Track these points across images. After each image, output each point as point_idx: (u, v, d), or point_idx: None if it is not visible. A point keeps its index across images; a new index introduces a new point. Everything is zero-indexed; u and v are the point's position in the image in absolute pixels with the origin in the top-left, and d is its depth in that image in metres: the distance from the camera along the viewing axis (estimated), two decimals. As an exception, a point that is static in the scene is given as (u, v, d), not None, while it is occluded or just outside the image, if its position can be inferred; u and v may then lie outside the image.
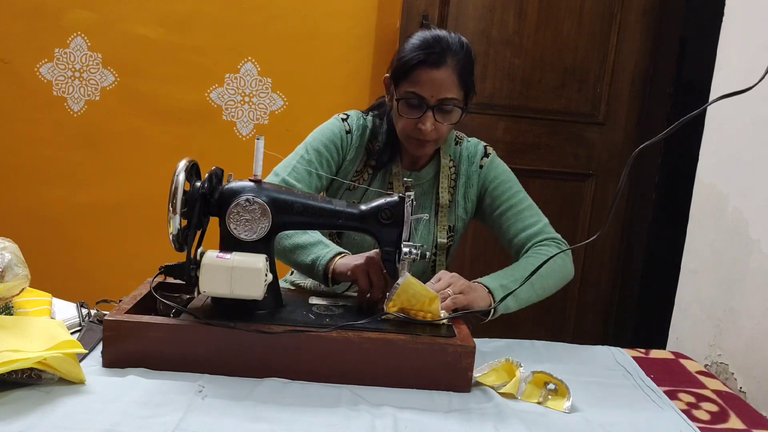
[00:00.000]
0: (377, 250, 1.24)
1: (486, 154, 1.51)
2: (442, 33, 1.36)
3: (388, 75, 1.41)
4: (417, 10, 2.35)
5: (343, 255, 1.30)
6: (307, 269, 1.32)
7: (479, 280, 1.30)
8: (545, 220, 1.47)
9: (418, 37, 1.35)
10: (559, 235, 1.45)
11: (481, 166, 1.49)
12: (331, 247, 1.32)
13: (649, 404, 1.12)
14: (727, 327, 1.42)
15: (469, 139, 1.54)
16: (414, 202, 1.14)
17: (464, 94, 1.37)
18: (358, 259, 1.25)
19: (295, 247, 1.33)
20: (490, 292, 1.27)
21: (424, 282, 1.19)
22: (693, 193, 1.62)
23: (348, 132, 1.46)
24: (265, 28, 2.42)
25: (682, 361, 1.36)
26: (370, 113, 1.51)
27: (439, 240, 1.47)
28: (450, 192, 1.48)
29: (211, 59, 2.43)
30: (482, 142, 1.53)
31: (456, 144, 1.51)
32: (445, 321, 1.14)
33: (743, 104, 1.37)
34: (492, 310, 1.25)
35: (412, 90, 1.33)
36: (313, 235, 1.35)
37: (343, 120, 1.47)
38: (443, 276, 1.26)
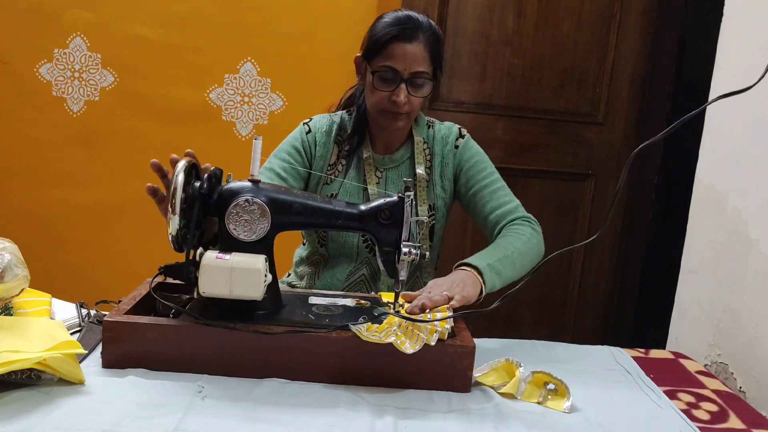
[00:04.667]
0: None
1: (461, 135, 1.54)
2: (412, 12, 1.43)
3: (359, 54, 1.47)
4: (416, 11, 2.33)
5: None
6: None
7: (465, 260, 1.31)
8: (517, 201, 1.51)
9: (389, 16, 1.43)
10: (530, 215, 1.49)
11: (456, 146, 1.53)
12: None
13: (648, 404, 1.12)
14: (726, 327, 1.42)
15: (442, 122, 1.57)
16: (414, 202, 1.13)
17: (433, 69, 1.42)
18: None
19: None
20: (479, 272, 1.27)
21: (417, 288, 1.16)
22: (692, 192, 1.62)
23: (308, 132, 1.52)
24: (265, 28, 2.42)
25: (681, 361, 1.36)
26: (339, 111, 1.57)
27: (420, 214, 1.48)
28: (426, 171, 1.51)
29: (211, 59, 2.43)
30: (456, 125, 1.57)
31: (428, 128, 1.55)
32: (448, 324, 1.13)
33: (743, 104, 1.37)
34: (482, 291, 1.26)
35: (386, 64, 1.38)
36: None
37: (305, 124, 1.54)
38: (433, 287, 1.23)
